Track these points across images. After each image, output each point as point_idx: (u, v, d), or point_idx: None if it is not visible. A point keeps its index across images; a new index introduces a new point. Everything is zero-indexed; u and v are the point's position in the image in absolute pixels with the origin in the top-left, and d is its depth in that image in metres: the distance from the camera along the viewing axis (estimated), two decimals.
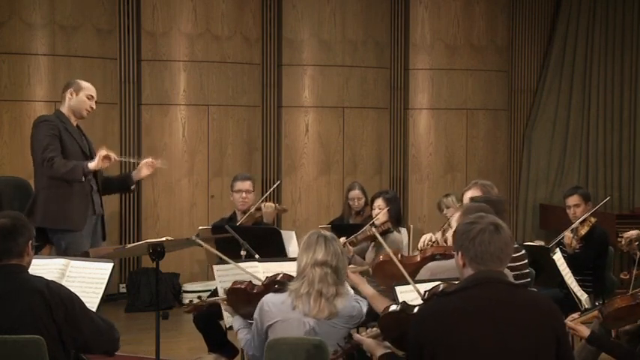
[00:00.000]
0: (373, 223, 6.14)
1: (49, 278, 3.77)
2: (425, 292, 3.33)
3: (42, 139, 5.58)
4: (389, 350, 3.35)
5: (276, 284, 4.15)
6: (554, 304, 3.14)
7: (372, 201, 6.56)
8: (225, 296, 4.38)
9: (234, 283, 4.33)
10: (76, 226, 5.61)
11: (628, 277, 5.94)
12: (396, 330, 3.35)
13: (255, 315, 4.00)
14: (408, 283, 3.88)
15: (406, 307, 3.37)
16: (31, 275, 3.67)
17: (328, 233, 4.03)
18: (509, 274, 4.28)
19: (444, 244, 4.66)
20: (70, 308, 3.58)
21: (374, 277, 4.73)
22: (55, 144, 5.57)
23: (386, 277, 4.74)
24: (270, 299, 3.97)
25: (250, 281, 4.31)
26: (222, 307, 4.42)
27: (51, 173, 5.55)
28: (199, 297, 4.76)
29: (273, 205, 6.47)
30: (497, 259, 3.05)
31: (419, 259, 4.64)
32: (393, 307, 3.42)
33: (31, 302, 3.54)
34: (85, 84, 5.79)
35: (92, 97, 5.78)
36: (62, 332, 3.57)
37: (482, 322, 2.95)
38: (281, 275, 4.21)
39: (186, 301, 8.32)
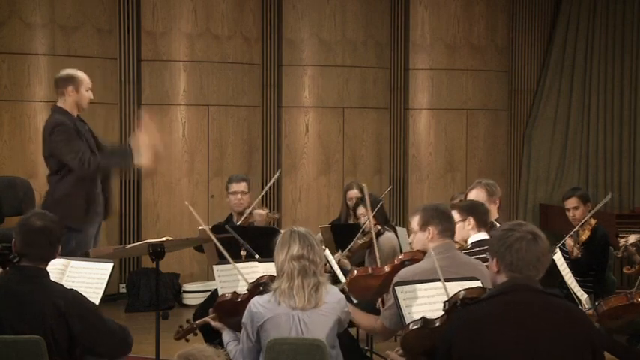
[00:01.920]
0: (363, 230, 6.13)
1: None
2: (444, 302, 3.30)
3: (67, 144, 5.64)
4: None
5: (260, 286, 4.17)
6: (586, 315, 3.13)
7: (355, 209, 6.51)
8: (213, 314, 4.37)
9: (220, 297, 4.36)
10: (93, 221, 5.78)
11: (632, 271, 5.93)
12: (419, 347, 3.32)
13: (244, 319, 4.00)
14: (408, 283, 3.88)
15: (426, 321, 3.34)
16: (52, 282, 3.68)
17: (302, 228, 4.04)
18: None
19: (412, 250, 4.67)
20: (87, 319, 3.61)
21: (350, 293, 4.73)
22: (80, 145, 5.66)
23: (362, 291, 4.74)
24: (256, 300, 3.98)
25: (234, 291, 4.33)
26: (213, 325, 4.39)
27: (94, 169, 5.64)
28: (188, 320, 4.72)
29: (264, 212, 6.40)
30: (533, 268, 3.02)
31: (389, 268, 4.65)
32: (414, 325, 3.39)
33: (45, 309, 3.54)
34: (82, 77, 5.82)
35: (90, 88, 5.85)
36: (77, 341, 3.60)
37: (513, 329, 2.92)
38: (265, 277, 4.23)
39: (188, 301, 8.35)
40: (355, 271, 4.75)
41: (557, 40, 9.96)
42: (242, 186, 6.42)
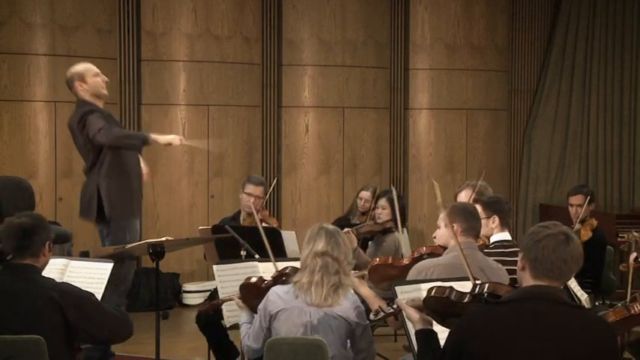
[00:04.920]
0: (374, 220, 6.19)
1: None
2: (475, 284, 3.19)
3: (95, 122, 5.56)
4: (429, 327, 3.22)
5: (283, 277, 4.24)
6: (611, 328, 3.05)
7: (377, 200, 6.56)
8: (238, 292, 4.43)
9: (247, 279, 4.40)
10: (136, 213, 5.84)
11: (626, 268, 5.95)
12: (436, 307, 3.20)
13: (260, 305, 4.06)
14: (408, 284, 3.87)
15: (455, 294, 3.17)
16: (43, 277, 3.71)
17: (331, 226, 4.09)
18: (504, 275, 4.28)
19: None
20: (83, 307, 3.64)
21: (369, 280, 4.77)
22: (109, 123, 5.65)
23: (380, 279, 4.79)
24: (275, 289, 4.06)
25: (261, 276, 4.40)
26: (235, 302, 4.45)
27: (109, 139, 5.56)
28: (214, 296, 4.80)
29: (275, 226, 6.45)
30: (557, 269, 2.90)
31: (409, 260, 4.69)
32: (442, 292, 3.21)
33: (40, 304, 3.56)
34: (83, 67, 5.77)
35: (98, 73, 5.78)
36: (77, 330, 3.63)
37: (531, 342, 2.84)
38: (289, 269, 4.28)
39: (188, 301, 8.36)
40: (376, 260, 4.80)
41: (557, 40, 9.96)
42: (259, 190, 6.43)
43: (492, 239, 4.83)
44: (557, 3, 10.07)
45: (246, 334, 4.17)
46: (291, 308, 3.95)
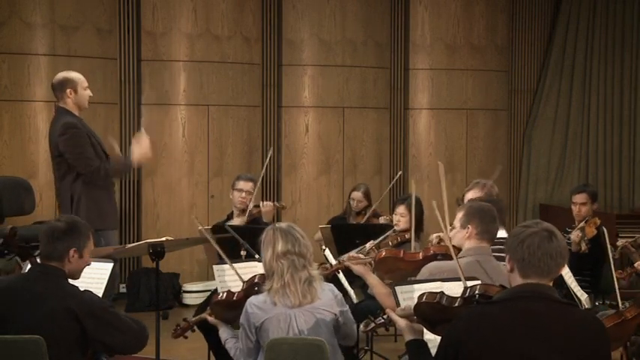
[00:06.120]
0: (394, 230, 6.10)
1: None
2: (465, 288, 3.19)
3: (81, 151, 5.74)
4: (419, 337, 3.22)
5: (255, 287, 4.17)
6: (603, 325, 3.05)
7: (395, 206, 6.44)
8: (209, 311, 4.42)
9: (214, 297, 4.38)
10: (115, 225, 5.96)
11: (624, 275, 5.95)
12: (427, 314, 3.20)
13: (242, 320, 4.00)
14: (408, 284, 3.86)
15: (446, 299, 3.17)
16: (66, 283, 3.70)
17: (284, 224, 4.05)
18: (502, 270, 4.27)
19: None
20: (101, 318, 3.64)
21: (376, 271, 4.73)
22: (91, 152, 5.79)
23: (388, 271, 4.74)
24: (252, 301, 3.98)
25: (228, 290, 4.34)
26: (209, 321, 4.42)
27: (104, 178, 5.81)
28: (184, 319, 4.76)
29: (271, 203, 6.51)
30: (545, 265, 2.92)
31: (421, 256, 4.61)
32: (433, 297, 3.22)
33: (56, 309, 3.56)
34: (77, 77, 5.89)
35: (87, 86, 5.93)
36: (92, 340, 3.63)
37: (523, 341, 2.85)
38: (257, 276, 4.24)
39: (188, 301, 8.36)
40: (384, 252, 4.72)
41: (557, 40, 9.96)
42: (249, 185, 6.48)
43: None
44: (557, 3, 10.07)
45: (236, 349, 4.12)
46: (274, 316, 3.90)
